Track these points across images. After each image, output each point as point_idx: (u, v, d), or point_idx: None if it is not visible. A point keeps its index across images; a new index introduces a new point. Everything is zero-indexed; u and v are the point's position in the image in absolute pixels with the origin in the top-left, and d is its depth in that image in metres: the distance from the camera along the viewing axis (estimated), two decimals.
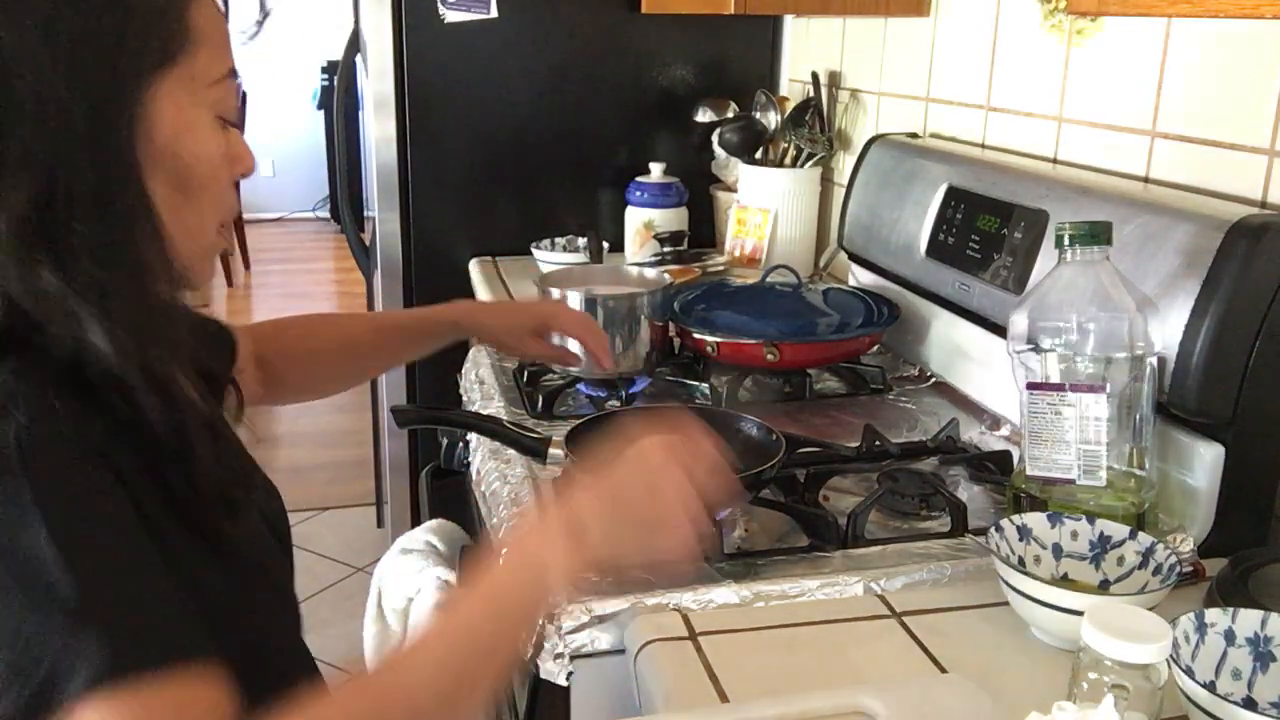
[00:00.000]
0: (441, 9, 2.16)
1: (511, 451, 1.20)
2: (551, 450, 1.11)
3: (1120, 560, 0.95)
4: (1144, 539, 0.94)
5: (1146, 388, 1.03)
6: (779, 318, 1.54)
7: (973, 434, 1.36)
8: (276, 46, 6.75)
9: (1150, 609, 0.77)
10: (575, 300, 1.51)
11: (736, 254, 2.08)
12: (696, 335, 1.51)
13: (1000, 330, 1.27)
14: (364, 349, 1.21)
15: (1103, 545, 0.96)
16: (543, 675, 0.93)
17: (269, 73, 6.83)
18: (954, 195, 1.49)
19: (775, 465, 1.08)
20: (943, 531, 1.09)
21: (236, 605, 0.74)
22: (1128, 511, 1.01)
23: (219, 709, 0.61)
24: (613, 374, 1.12)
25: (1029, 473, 1.06)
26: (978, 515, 1.13)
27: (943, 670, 0.88)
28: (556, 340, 1.33)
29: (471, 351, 1.63)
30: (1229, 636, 0.81)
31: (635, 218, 2.20)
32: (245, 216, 6.24)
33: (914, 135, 1.76)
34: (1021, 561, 0.95)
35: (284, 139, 7.22)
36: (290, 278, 6.19)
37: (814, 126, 2.06)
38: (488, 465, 1.25)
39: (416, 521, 1.42)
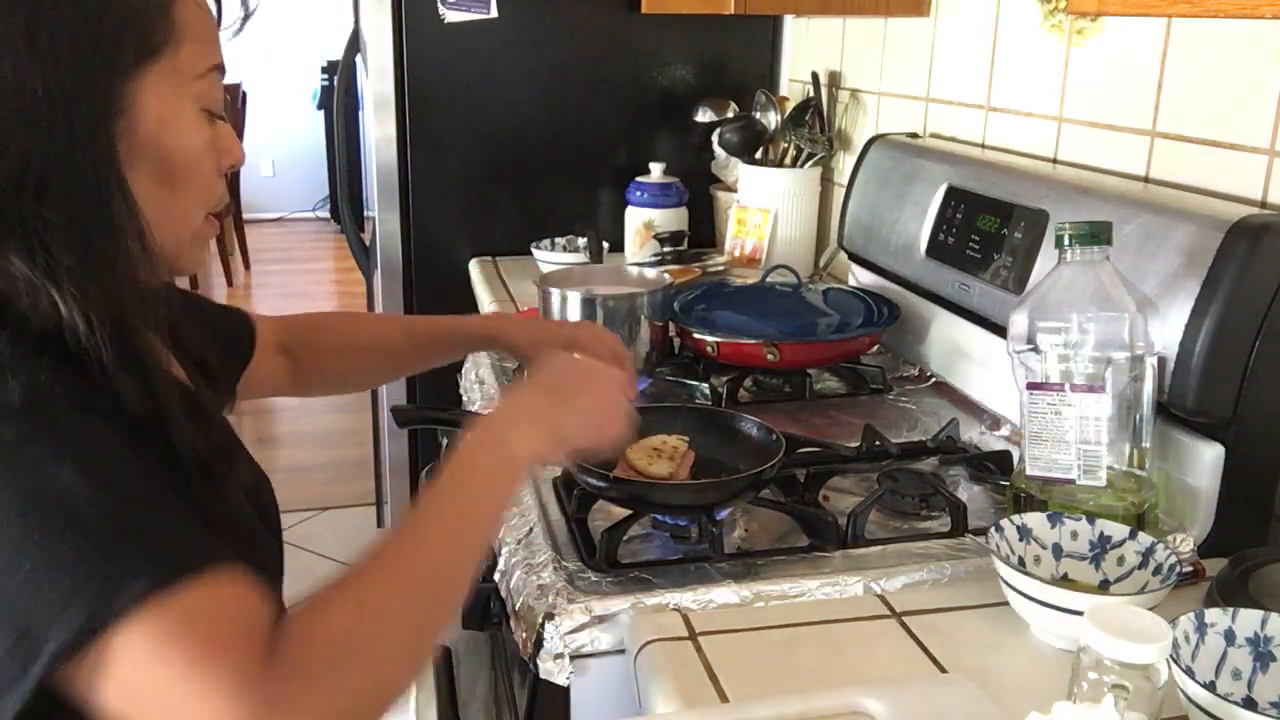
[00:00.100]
0: (441, 9, 2.16)
1: None
2: None
3: (1120, 560, 0.95)
4: (1144, 539, 0.94)
5: (1146, 388, 1.02)
6: (779, 318, 1.54)
7: (973, 434, 1.36)
8: (276, 46, 6.76)
9: (1150, 609, 0.77)
10: (575, 300, 1.51)
11: (736, 254, 2.08)
12: (696, 335, 1.51)
13: (1000, 330, 1.27)
14: (395, 351, 1.23)
15: (1103, 545, 0.96)
16: (543, 675, 0.93)
17: (269, 73, 6.83)
18: (954, 195, 1.49)
19: (775, 465, 1.08)
20: (943, 531, 1.09)
21: None
22: (1128, 511, 1.01)
23: (256, 608, 0.65)
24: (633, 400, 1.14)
25: (1029, 473, 1.06)
26: (978, 515, 1.13)
27: (943, 670, 0.88)
28: None
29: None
30: (1229, 636, 0.81)
31: (635, 218, 2.21)
32: (245, 216, 6.25)
33: (914, 135, 1.76)
34: (1021, 561, 0.95)
35: (284, 139, 7.22)
36: (290, 278, 6.19)
37: (814, 126, 2.06)
38: None
39: None
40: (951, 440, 1.30)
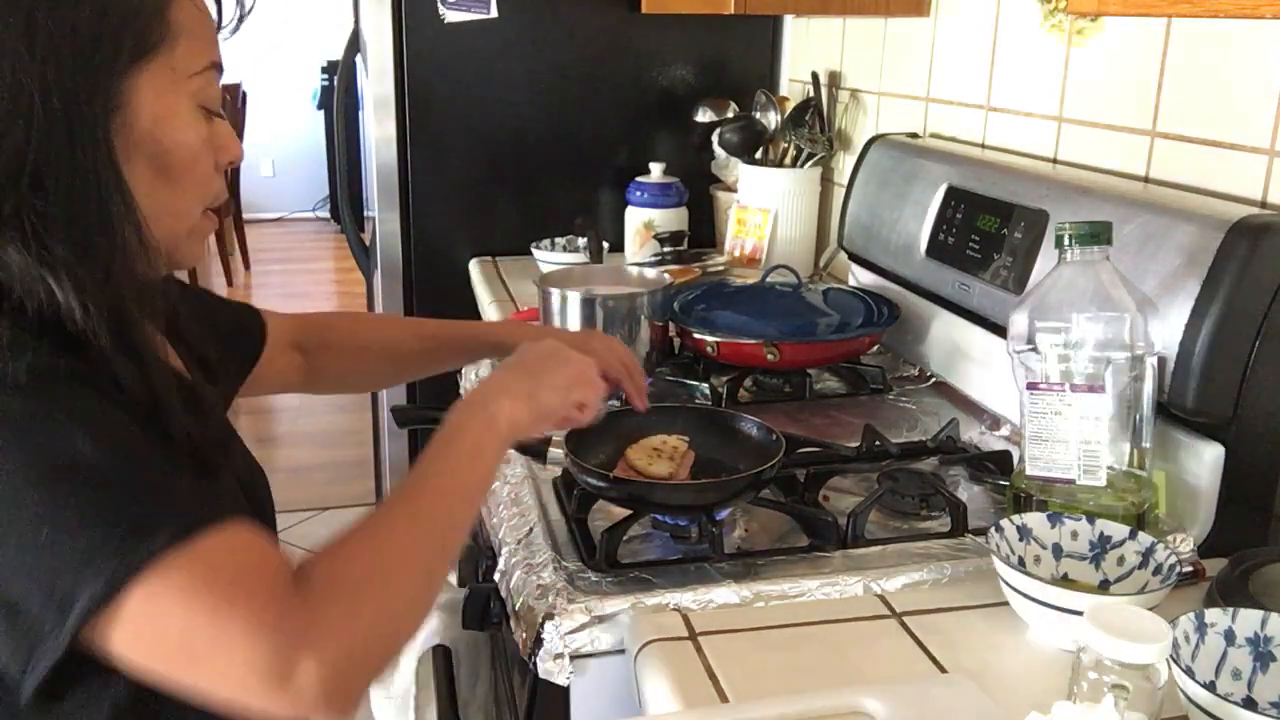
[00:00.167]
0: (441, 9, 2.16)
1: (511, 451, 1.20)
2: (551, 450, 1.11)
3: (1120, 560, 0.95)
4: (1144, 539, 0.94)
5: (1146, 388, 1.02)
6: (779, 318, 1.54)
7: (973, 434, 1.36)
8: (276, 46, 6.76)
9: (1150, 609, 0.77)
10: (575, 300, 1.51)
11: (736, 254, 2.08)
12: (696, 335, 1.51)
13: (1000, 330, 1.27)
14: (408, 354, 1.24)
15: (1103, 545, 0.96)
16: (542, 675, 0.93)
17: (269, 73, 6.83)
18: (954, 195, 1.49)
19: (775, 465, 1.08)
20: (943, 531, 1.09)
21: None
22: (1128, 511, 1.01)
23: (274, 554, 0.69)
24: (645, 410, 1.15)
25: (1029, 473, 1.06)
26: (978, 515, 1.13)
27: (943, 670, 0.88)
28: None
29: None
30: (1229, 636, 0.81)
31: (635, 218, 2.21)
32: (245, 216, 6.25)
33: (914, 135, 1.76)
34: (1021, 561, 0.95)
35: (284, 139, 7.22)
36: (290, 278, 6.19)
37: (814, 126, 2.06)
38: None
39: None
40: (951, 440, 1.30)
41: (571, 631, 0.93)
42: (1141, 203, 1.15)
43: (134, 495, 0.66)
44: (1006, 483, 1.14)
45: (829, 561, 1.03)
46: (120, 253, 0.73)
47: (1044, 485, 1.04)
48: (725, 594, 0.97)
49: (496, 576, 1.06)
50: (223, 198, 0.85)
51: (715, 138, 2.18)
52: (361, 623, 0.68)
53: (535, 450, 1.11)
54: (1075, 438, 1.02)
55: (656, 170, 2.20)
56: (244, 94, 5.76)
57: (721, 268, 2.01)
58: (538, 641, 0.93)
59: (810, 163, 2.06)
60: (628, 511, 1.08)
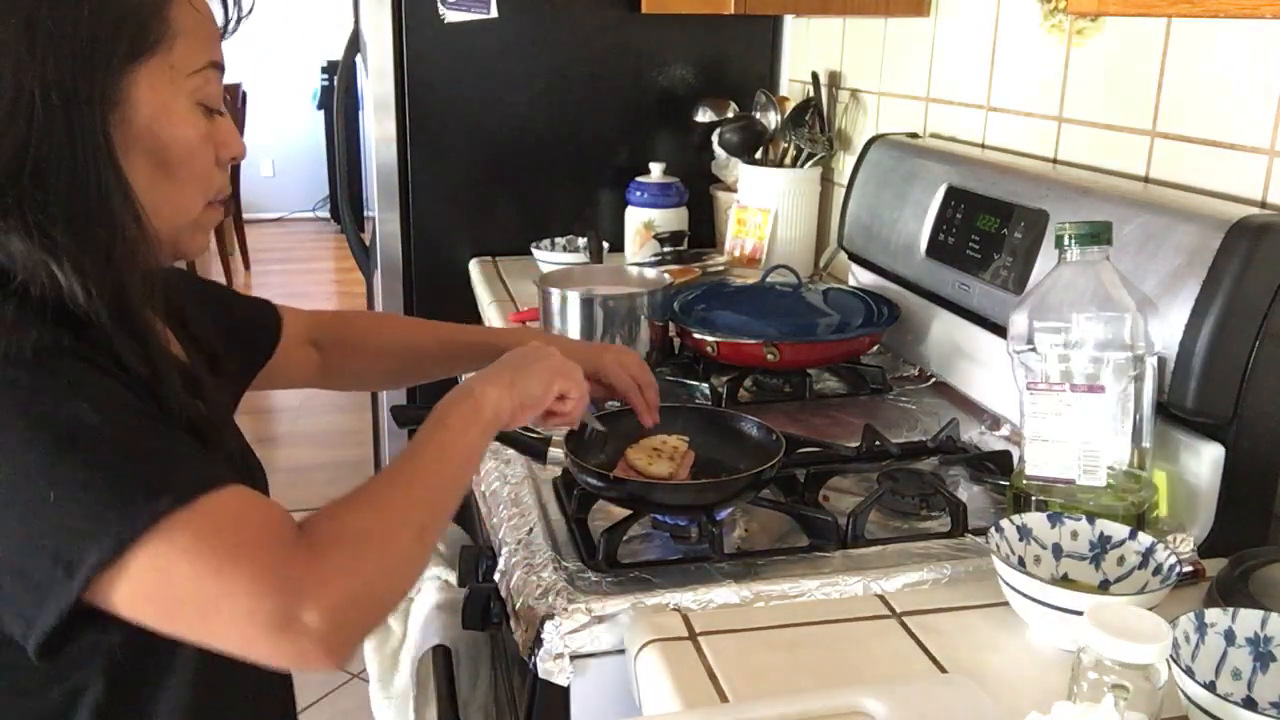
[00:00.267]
0: (441, 9, 2.16)
1: (511, 451, 1.20)
2: (551, 450, 1.11)
3: (1120, 560, 0.95)
4: (1144, 539, 0.94)
5: (1147, 388, 1.02)
6: (779, 318, 1.54)
7: (973, 434, 1.36)
8: (276, 46, 6.76)
9: (1150, 609, 0.77)
10: (575, 300, 1.51)
11: (736, 254, 2.08)
12: (696, 335, 1.51)
13: (1000, 330, 1.27)
14: (424, 357, 1.25)
15: (1103, 545, 0.96)
16: (542, 675, 0.93)
17: (269, 73, 6.84)
18: (954, 195, 1.49)
19: (775, 465, 1.08)
20: (943, 531, 1.09)
21: None
22: (1128, 511, 1.01)
23: (276, 512, 0.72)
24: (656, 423, 1.16)
25: (1029, 473, 1.06)
26: (978, 515, 1.13)
27: (943, 670, 0.88)
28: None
29: None
30: (1229, 636, 0.81)
31: (635, 218, 2.20)
32: (245, 216, 6.25)
33: (914, 135, 1.76)
34: (1021, 561, 0.95)
35: (284, 139, 7.22)
36: (290, 278, 6.19)
37: (814, 126, 2.06)
38: (487, 465, 1.25)
39: None
40: (951, 440, 1.30)
41: (571, 631, 0.93)
42: (1141, 203, 1.15)
43: (137, 460, 0.69)
44: (1006, 483, 1.14)
45: (829, 561, 1.03)
46: (120, 240, 0.76)
47: (1044, 485, 1.04)
48: (725, 594, 0.97)
49: (496, 576, 1.06)
50: (226, 191, 0.88)
51: (715, 138, 2.18)
52: (360, 576, 0.71)
53: (535, 450, 1.11)
54: (1075, 438, 1.02)
55: (656, 170, 2.20)
56: (244, 94, 5.76)
57: (721, 268, 2.01)
58: (538, 641, 0.93)
59: (810, 163, 2.06)
60: (628, 511, 1.08)
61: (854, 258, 1.80)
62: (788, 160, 2.08)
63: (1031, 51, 1.48)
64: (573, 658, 0.93)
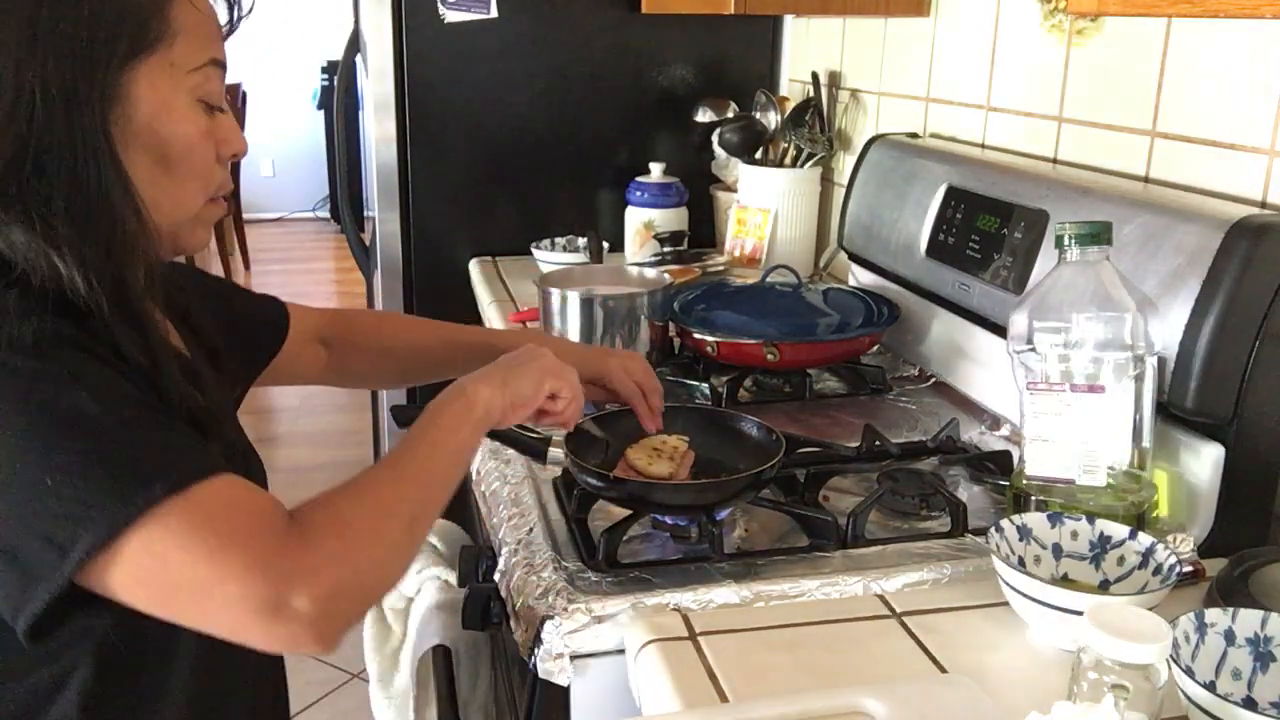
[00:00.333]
0: (441, 9, 2.16)
1: (511, 451, 1.20)
2: (551, 450, 1.11)
3: (1120, 560, 0.95)
4: (1144, 539, 0.94)
5: (1147, 388, 1.02)
6: (779, 318, 1.54)
7: (973, 434, 1.36)
8: (276, 46, 6.76)
9: (1150, 609, 0.77)
10: (575, 300, 1.51)
11: (736, 254, 2.08)
12: (696, 335, 1.51)
13: (1000, 330, 1.27)
14: (431, 357, 1.26)
15: (1103, 545, 0.96)
16: (542, 675, 0.93)
17: (269, 73, 6.84)
18: (954, 195, 1.49)
19: (775, 465, 1.08)
20: (943, 531, 1.09)
21: None
22: (1128, 511, 1.01)
23: (267, 500, 0.74)
24: (659, 429, 1.16)
25: (1029, 473, 1.06)
26: (978, 515, 1.13)
27: (943, 670, 0.88)
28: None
29: None
30: (1229, 636, 0.81)
31: (635, 218, 2.20)
32: (245, 216, 6.25)
33: (914, 135, 1.76)
34: (1021, 561, 0.95)
35: (284, 139, 7.22)
36: (290, 278, 6.19)
37: (814, 126, 2.06)
38: (487, 465, 1.25)
39: None
40: (951, 440, 1.30)
41: (572, 631, 0.93)
42: (1141, 203, 1.15)
43: (133, 448, 0.70)
44: (1006, 483, 1.14)
45: (829, 561, 1.03)
46: (120, 233, 0.77)
47: (1044, 485, 1.04)
48: (725, 594, 0.97)
49: (496, 576, 1.06)
50: (227, 187, 0.88)
51: (715, 138, 2.18)
52: (350, 565, 0.73)
53: (535, 450, 1.11)
54: (1075, 438, 1.02)
55: (656, 170, 2.20)
56: (244, 94, 5.76)
57: (721, 268, 2.01)
58: (538, 641, 0.93)
59: (810, 163, 2.06)
60: (628, 511, 1.08)
61: (854, 258, 1.80)
62: (788, 160, 2.08)
63: (1031, 51, 1.48)
64: (573, 658, 0.93)
